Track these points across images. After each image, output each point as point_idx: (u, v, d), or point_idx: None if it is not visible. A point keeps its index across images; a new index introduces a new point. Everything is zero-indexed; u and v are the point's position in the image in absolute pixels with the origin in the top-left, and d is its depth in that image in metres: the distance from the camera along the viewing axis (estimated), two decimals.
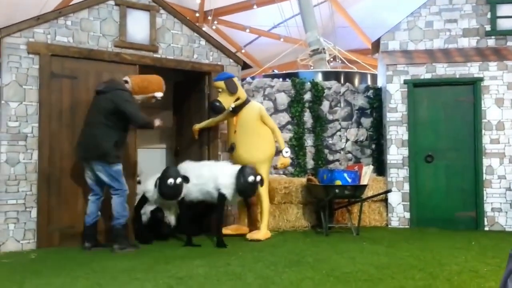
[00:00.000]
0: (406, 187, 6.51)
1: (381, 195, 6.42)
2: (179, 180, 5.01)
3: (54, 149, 5.04)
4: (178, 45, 5.90)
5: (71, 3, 5.39)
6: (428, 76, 6.61)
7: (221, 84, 5.48)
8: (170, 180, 4.96)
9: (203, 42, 6.10)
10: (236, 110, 5.60)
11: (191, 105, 6.50)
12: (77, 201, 5.14)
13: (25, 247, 4.85)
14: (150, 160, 5.27)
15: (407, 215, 6.46)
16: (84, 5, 5.27)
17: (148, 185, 5.28)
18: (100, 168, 4.75)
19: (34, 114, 4.95)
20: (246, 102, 5.67)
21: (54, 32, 5.10)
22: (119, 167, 4.82)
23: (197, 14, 16.60)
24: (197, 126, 6.07)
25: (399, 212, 6.50)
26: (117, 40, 5.44)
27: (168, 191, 5.02)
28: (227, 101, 5.46)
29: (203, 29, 7.46)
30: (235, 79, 5.60)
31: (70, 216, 5.10)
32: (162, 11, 5.78)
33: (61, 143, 5.09)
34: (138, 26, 5.60)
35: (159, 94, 5.13)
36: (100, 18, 5.37)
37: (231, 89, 5.45)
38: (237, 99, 5.54)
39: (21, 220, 4.85)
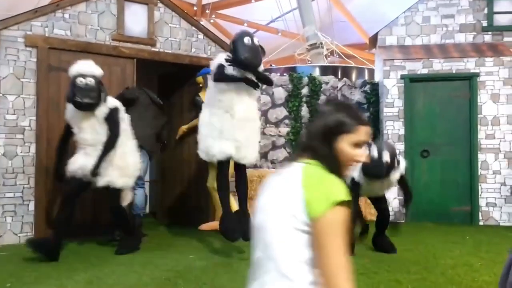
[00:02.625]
0: None
1: None
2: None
3: (52, 142, 5.03)
4: (176, 39, 5.90)
5: None
6: (424, 71, 6.63)
7: (200, 79, 5.54)
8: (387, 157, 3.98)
9: (201, 36, 6.10)
10: None
11: (183, 98, 6.42)
12: None
13: (23, 240, 4.85)
14: None
15: (403, 209, 6.50)
16: None
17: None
18: (145, 159, 5.10)
19: (31, 107, 4.96)
20: None
21: (51, 25, 5.10)
22: None
23: (195, 8, 16.55)
24: (184, 127, 5.95)
25: (394, 206, 6.54)
26: (115, 34, 5.44)
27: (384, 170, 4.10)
28: None
29: (201, 23, 7.45)
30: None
31: None
32: (160, 4, 5.77)
33: (58, 136, 5.08)
34: (136, 19, 5.59)
35: None
36: (97, 11, 5.36)
37: (207, 84, 5.41)
38: None
39: (18, 213, 4.87)
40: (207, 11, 16.62)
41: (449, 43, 6.98)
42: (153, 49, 5.70)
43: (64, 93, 5.11)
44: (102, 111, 4.15)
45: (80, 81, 4.05)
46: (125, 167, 4.28)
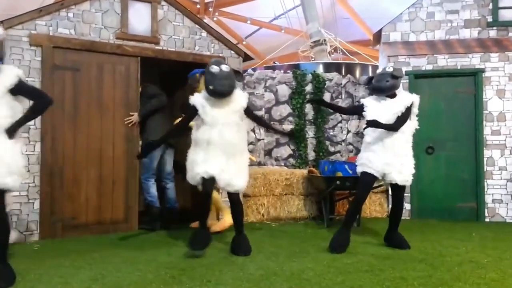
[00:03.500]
0: None
1: (382, 187, 6.44)
2: None
3: (57, 141, 5.06)
4: (180, 37, 5.90)
5: None
6: (429, 67, 6.60)
7: (189, 80, 5.45)
8: None
9: (204, 34, 6.09)
10: None
11: (186, 97, 6.35)
12: (79, 193, 5.17)
13: (28, 239, 4.89)
14: None
15: (408, 206, 6.49)
16: None
17: None
18: (172, 155, 5.66)
19: None
20: None
21: (56, 24, 5.10)
22: None
23: (198, 6, 16.55)
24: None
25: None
26: (119, 32, 5.44)
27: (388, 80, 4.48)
28: None
29: (204, 21, 7.44)
30: (197, 75, 5.35)
31: (73, 207, 5.13)
32: (163, 2, 5.77)
33: (63, 135, 5.10)
34: (139, 18, 5.59)
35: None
36: (101, 10, 5.36)
37: (193, 84, 5.35)
38: None
39: (24, 211, 4.88)
40: (210, 9, 16.62)
41: (454, 39, 6.94)
42: (156, 47, 5.70)
43: (69, 92, 5.15)
44: (7, 79, 3.33)
45: None
46: (13, 163, 3.33)
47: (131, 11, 5.53)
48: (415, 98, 4.57)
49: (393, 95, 4.56)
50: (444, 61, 6.57)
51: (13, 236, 4.52)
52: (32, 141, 4.94)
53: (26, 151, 4.92)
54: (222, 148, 4.11)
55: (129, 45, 5.49)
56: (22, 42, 4.92)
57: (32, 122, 4.93)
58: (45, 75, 5.00)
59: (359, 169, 4.55)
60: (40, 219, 4.94)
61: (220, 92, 4.04)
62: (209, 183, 4.09)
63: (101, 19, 5.36)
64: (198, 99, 4.21)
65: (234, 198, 4.31)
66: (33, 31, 4.98)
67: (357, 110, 4.74)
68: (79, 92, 5.21)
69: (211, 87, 4.03)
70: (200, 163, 4.12)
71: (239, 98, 4.23)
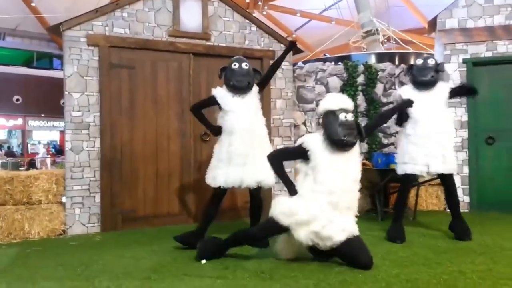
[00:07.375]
0: (466, 170, 6.27)
1: (438, 179, 6.22)
2: None
3: (115, 137, 5.27)
4: (230, 32, 5.96)
5: None
6: (488, 54, 6.30)
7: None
8: None
9: (254, 28, 6.13)
10: None
11: None
12: (137, 186, 5.37)
13: (90, 230, 5.13)
14: None
15: (467, 199, 6.24)
16: None
17: None
18: None
19: (95, 103, 5.19)
20: None
21: (111, 24, 5.30)
22: None
23: (247, 0, 16.62)
24: None
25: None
26: (171, 30, 5.58)
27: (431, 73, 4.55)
28: None
29: (254, 15, 7.46)
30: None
31: (132, 200, 5.34)
32: None
33: (121, 131, 5.31)
34: (190, 15, 5.71)
35: None
36: (154, 8, 5.51)
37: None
38: None
39: (86, 204, 5.13)
40: (259, 3, 16.65)
41: None
42: (208, 43, 5.80)
43: (125, 89, 5.34)
44: None
45: None
46: None
47: (182, 8, 5.66)
48: (448, 88, 4.65)
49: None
50: (504, 48, 6.24)
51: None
52: (92, 138, 5.18)
53: (87, 147, 5.16)
54: (241, 136, 4.18)
55: (181, 42, 5.62)
56: (80, 43, 5.15)
57: (91, 119, 5.18)
58: (103, 74, 5.22)
59: (401, 170, 4.55)
60: (101, 212, 5.17)
61: (238, 87, 4.28)
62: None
63: (154, 18, 5.52)
64: (218, 91, 4.37)
65: (252, 192, 4.33)
66: (90, 31, 5.20)
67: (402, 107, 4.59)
68: (134, 89, 5.40)
69: (231, 83, 4.28)
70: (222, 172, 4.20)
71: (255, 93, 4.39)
